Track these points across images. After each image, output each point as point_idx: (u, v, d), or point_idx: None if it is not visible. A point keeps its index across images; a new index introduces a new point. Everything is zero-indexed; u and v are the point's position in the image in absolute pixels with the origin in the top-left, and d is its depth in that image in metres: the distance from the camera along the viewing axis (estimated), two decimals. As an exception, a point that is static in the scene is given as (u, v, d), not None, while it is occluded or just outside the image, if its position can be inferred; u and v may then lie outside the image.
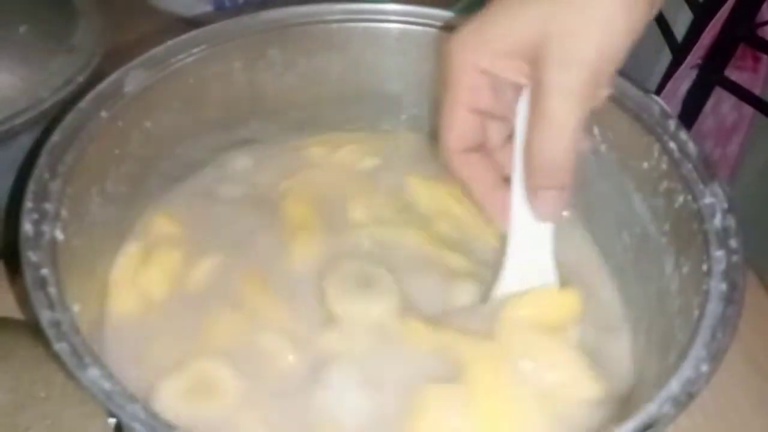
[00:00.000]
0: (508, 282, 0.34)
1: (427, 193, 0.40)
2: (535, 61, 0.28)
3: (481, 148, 0.34)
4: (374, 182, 0.41)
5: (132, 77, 0.35)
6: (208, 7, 0.58)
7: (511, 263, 0.34)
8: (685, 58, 0.73)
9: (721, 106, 0.80)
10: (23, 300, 0.37)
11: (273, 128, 0.43)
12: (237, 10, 0.40)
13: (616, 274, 0.39)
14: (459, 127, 0.32)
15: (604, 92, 0.29)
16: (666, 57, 0.77)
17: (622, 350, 0.35)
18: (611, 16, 0.27)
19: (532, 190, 0.31)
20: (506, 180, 0.33)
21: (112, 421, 0.33)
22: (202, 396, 0.31)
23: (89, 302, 0.31)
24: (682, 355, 0.27)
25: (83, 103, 0.33)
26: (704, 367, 0.26)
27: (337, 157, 0.43)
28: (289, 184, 0.41)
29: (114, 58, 0.39)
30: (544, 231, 0.33)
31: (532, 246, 0.33)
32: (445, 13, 0.40)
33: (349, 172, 0.42)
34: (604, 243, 0.40)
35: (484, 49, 0.29)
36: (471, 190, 0.34)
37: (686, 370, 0.26)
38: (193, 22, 0.39)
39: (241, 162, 0.42)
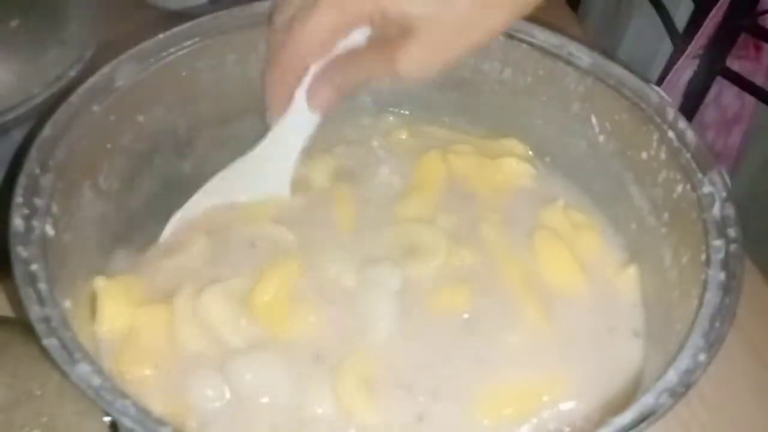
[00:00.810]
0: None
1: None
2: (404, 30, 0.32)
3: None
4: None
5: (123, 71, 0.35)
6: (201, 0, 0.57)
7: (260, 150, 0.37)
8: (686, 48, 0.72)
9: (723, 96, 0.79)
10: (15, 297, 0.37)
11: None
12: (231, 2, 0.39)
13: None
14: (327, 47, 0.34)
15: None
16: (667, 47, 0.76)
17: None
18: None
19: (328, 81, 0.35)
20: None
21: (107, 419, 0.33)
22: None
23: (82, 298, 0.31)
24: (681, 345, 0.26)
25: (74, 97, 0.33)
26: (702, 357, 0.26)
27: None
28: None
29: (107, 52, 0.38)
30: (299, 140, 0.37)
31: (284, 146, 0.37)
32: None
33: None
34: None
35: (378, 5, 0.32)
36: (273, 71, 0.36)
37: (684, 360, 0.26)
38: (186, 15, 0.38)
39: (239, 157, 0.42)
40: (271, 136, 0.37)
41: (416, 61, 0.32)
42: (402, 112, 0.44)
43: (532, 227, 0.38)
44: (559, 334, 0.34)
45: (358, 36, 0.34)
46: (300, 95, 0.36)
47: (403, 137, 0.43)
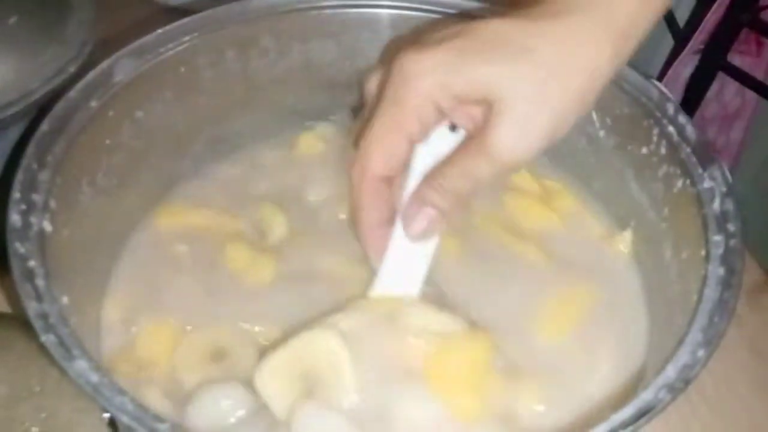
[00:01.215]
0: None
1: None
2: (486, 114, 0.28)
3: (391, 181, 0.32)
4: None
5: (122, 66, 0.35)
6: (200, -4, 0.57)
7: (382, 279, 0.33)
8: (687, 43, 0.72)
9: (725, 91, 0.79)
10: (14, 294, 0.37)
11: (267, 116, 0.43)
12: (230, -1, 0.39)
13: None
14: (393, 153, 0.30)
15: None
16: (668, 42, 0.76)
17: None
18: (565, 103, 0.28)
19: (419, 200, 0.31)
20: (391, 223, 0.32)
21: (106, 415, 0.33)
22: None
23: (81, 295, 0.31)
24: (680, 340, 0.26)
25: (72, 93, 0.33)
26: (701, 352, 0.26)
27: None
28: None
29: (106, 47, 0.38)
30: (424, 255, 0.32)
31: (404, 272, 0.33)
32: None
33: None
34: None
35: (446, 89, 0.28)
36: (359, 217, 0.32)
37: (683, 356, 0.26)
38: (185, 11, 0.38)
39: (238, 153, 0.42)
40: (378, 284, 0.33)
41: (512, 138, 0.28)
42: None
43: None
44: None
45: (442, 146, 0.31)
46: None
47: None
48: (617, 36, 0.28)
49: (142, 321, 0.33)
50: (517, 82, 0.27)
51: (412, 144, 0.30)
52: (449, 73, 0.28)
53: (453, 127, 0.31)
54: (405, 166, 0.31)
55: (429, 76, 0.28)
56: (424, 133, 0.30)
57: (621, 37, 0.28)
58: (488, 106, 0.28)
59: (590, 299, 0.36)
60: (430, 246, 0.32)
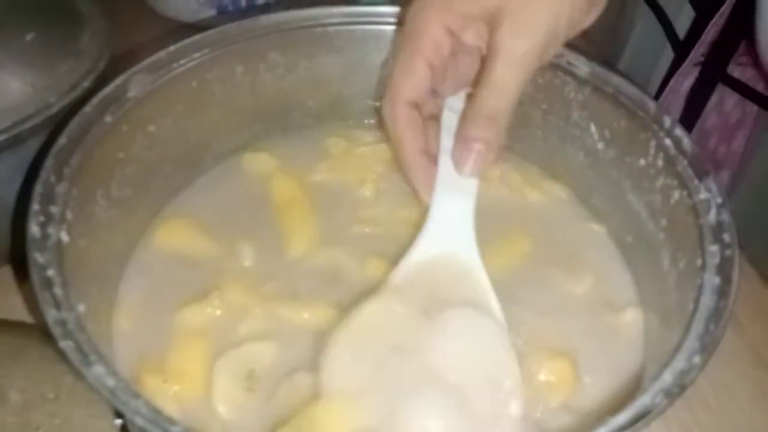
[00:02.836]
0: (426, 245, 0.34)
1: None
2: (491, 26, 0.32)
3: (420, 110, 0.35)
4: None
5: (136, 81, 0.36)
6: (211, 12, 0.58)
7: (430, 228, 0.34)
8: (687, 55, 0.72)
9: (725, 102, 0.79)
10: (32, 303, 0.38)
11: (276, 130, 0.44)
12: (240, 14, 0.40)
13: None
14: (416, 75, 0.34)
15: (545, 60, 0.34)
16: (668, 54, 0.77)
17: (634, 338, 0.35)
18: (560, 3, 0.32)
19: (463, 141, 0.34)
20: (431, 154, 0.35)
21: (119, 422, 0.34)
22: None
23: (96, 303, 0.31)
24: (677, 347, 0.27)
25: (88, 108, 0.34)
26: (697, 359, 0.26)
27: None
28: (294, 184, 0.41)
29: (119, 63, 0.40)
30: (468, 199, 0.34)
31: (455, 211, 0.34)
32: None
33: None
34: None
35: (450, 11, 0.33)
36: (402, 148, 0.35)
37: (680, 362, 0.26)
38: (196, 27, 0.39)
39: (246, 165, 0.43)
40: (432, 216, 0.35)
41: (514, 31, 0.32)
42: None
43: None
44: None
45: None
46: (445, 166, 0.35)
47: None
48: None
49: (151, 332, 0.34)
50: None
51: (431, 68, 0.34)
52: None
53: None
54: (429, 92, 0.35)
55: (434, 3, 0.33)
56: (440, 57, 0.34)
57: None
58: (492, 20, 0.32)
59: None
60: (473, 187, 0.34)
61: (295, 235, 0.38)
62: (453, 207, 0.34)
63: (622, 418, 0.25)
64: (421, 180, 0.35)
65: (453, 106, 0.37)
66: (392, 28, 0.41)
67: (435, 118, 0.37)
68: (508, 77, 0.32)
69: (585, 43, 0.39)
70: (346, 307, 0.33)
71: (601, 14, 0.35)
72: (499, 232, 0.39)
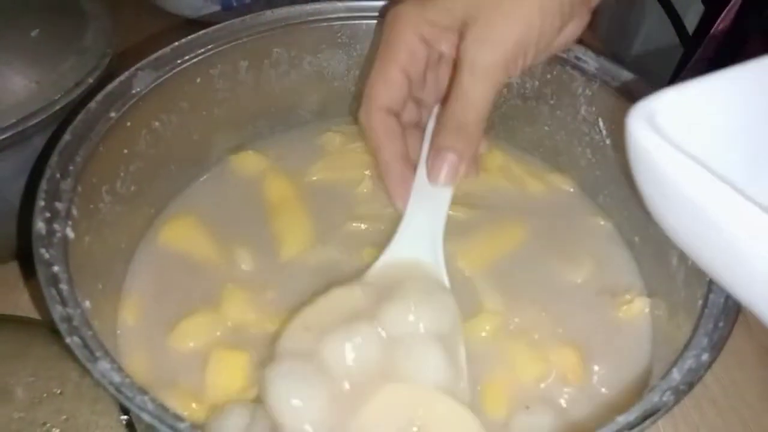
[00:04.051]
0: (396, 251, 0.34)
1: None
2: (461, 37, 0.32)
3: (399, 116, 0.36)
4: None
5: (140, 78, 0.36)
6: (215, 8, 0.58)
7: (403, 231, 0.35)
8: (696, 50, 0.72)
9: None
10: (38, 299, 0.38)
11: (280, 126, 0.44)
12: (245, 10, 0.40)
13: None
14: (390, 83, 0.34)
15: (515, 75, 0.33)
16: (677, 50, 0.76)
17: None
18: (530, 16, 0.31)
19: (436, 150, 0.34)
20: (410, 161, 0.36)
21: (124, 417, 0.34)
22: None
23: (101, 300, 0.31)
24: (685, 345, 0.27)
25: (93, 104, 0.34)
26: (705, 357, 0.26)
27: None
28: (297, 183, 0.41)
29: (123, 59, 0.40)
30: (439, 210, 0.35)
31: (426, 220, 0.35)
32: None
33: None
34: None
35: (424, 20, 0.33)
36: (378, 155, 0.35)
37: (688, 359, 0.26)
38: (200, 23, 0.39)
39: (244, 164, 0.43)
40: (404, 222, 0.35)
41: (480, 41, 0.32)
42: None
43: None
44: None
45: None
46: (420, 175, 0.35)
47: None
48: None
49: (155, 329, 0.34)
50: (479, 2, 0.32)
51: (407, 76, 0.34)
52: (425, 7, 0.33)
53: None
54: (406, 100, 0.35)
55: (409, 12, 0.33)
56: (416, 65, 0.34)
57: None
58: (462, 30, 0.32)
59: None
60: (446, 197, 0.35)
61: (292, 235, 0.38)
62: (425, 215, 0.35)
63: (631, 415, 0.25)
64: (394, 186, 0.35)
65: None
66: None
67: (419, 126, 0.37)
68: (474, 88, 0.32)
69: (593, 38, 0.39)
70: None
71: (611, 8, 0.35)
72: (496, 221, 0.39)
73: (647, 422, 0.24)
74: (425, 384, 0.29)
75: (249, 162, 0.42)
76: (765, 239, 0.19)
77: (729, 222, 0.19)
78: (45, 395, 0.34)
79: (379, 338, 0.30)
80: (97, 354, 0.25)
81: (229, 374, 0.32)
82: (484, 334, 0.34)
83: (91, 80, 0.39)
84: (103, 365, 0.25)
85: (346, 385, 0.29)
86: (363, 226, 0.39)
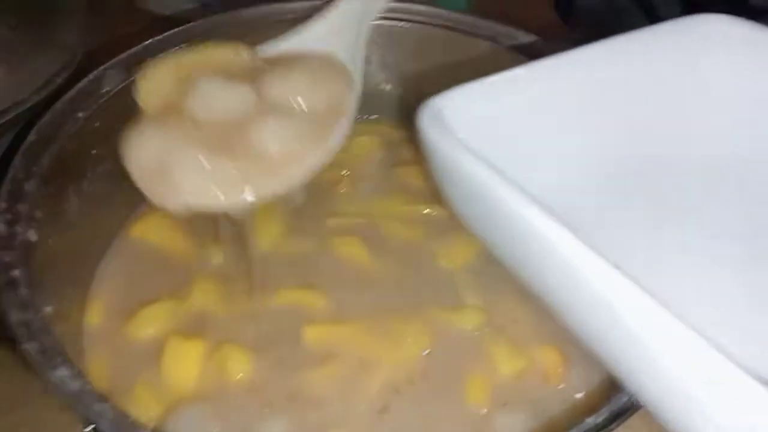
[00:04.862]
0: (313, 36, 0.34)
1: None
2: None
3: None
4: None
5: (110, 77, 0.35)
6: (193, 4, 0.57)
7: (327, 16, 0.34)
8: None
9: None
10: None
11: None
12: (222, 6, 0.40)
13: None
14: None
15: None
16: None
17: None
18: None
19: None
20: None
21: (89, 429, 0.33)
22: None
23: (66, 303, 0.31)
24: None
25: (60, 104, 0.33)
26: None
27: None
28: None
29: (96, 57, 0.39)
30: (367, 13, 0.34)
31: (360, 9, 0.34)
32: (430, 9, 0.40)
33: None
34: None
35: None
36: None
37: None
38: (177, 19, 0.38)
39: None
40: (332, 9, 0.34)
41: None
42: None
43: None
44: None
45: None
46: None
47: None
48: None
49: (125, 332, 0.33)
50: None
51: None
52: None
53: None
54: None
55: None
56: None
57: None
58: None
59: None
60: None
61: (265, 229, 0.37)
62: (360, 4, 0.34)
63: (599, 417, 0.24)
64: None
65: None
66: (380, 22, 0.40)
67: None
68: None
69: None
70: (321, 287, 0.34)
71: (591, 17, 0.34)
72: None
73: (615, 423, 0.24)
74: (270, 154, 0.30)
75: None
76: (530, 214, 0.21)
77: (507, 201, 0.22)
78: (8, 406, 0.33)
79: (252, 98, 0.30)
80: (56, 361, 0.25)
81: (184, 364, 0.31)
82: (468, 328, 0.34)
83: (60, 80, 0.39)
84: (61, 372, 0.24)
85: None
86: (340, 221, 0.38)
